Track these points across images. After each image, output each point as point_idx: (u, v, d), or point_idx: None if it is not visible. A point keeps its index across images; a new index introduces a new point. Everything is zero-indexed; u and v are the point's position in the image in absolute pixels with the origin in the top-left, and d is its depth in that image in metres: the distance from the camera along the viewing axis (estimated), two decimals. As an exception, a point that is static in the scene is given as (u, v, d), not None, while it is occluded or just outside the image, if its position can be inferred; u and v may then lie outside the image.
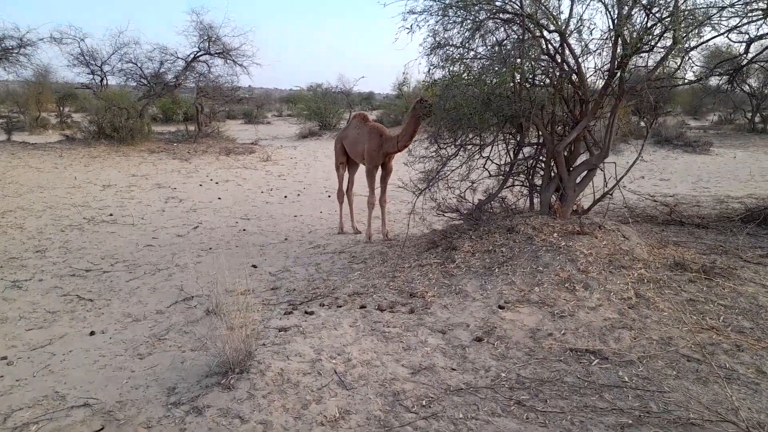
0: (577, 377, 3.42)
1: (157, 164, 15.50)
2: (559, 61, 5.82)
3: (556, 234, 5.45)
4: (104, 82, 19.16)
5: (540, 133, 6.07)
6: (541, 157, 6.36)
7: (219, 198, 11.26)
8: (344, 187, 8.50)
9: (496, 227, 5.95)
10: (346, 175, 8.51)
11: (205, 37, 18.85)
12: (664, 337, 3.86)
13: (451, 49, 6.09)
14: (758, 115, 24.99)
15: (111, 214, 9.38)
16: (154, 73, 20.46)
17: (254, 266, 6.64)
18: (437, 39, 6.07)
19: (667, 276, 4.86)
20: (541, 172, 6.50)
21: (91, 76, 19.18)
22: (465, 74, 5.83)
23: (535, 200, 6.61)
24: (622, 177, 6.06)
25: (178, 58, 19.50)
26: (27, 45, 17.60)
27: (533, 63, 5.65)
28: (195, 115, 19.79)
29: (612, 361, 3.59)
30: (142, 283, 6.03)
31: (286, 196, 11.66)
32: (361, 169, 8.72)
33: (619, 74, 5.31)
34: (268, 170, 15.55)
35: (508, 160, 6.65)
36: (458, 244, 5.78)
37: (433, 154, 6.52)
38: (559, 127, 6.29)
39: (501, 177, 6.65)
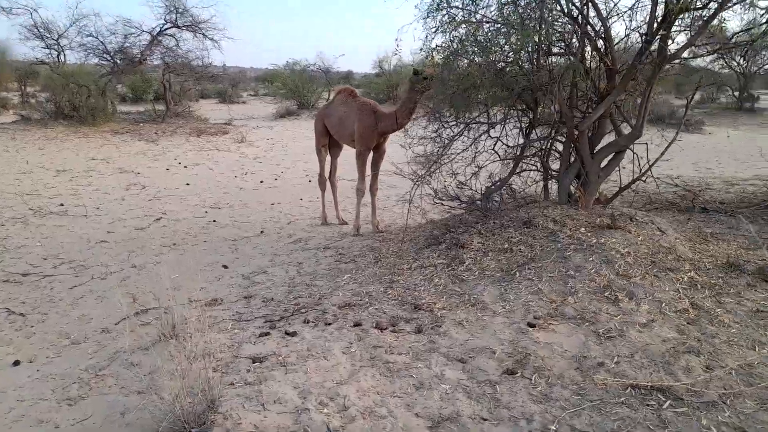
0: (650, 428, 2.59)
1: (120, 146, 14.27)
2: (582, 23, 4.93)
3: (583, 229, 4.60)
4: (62, 57, 17.64)
5: (558, 109, 5.19)
6: (558, 138, 5.49)
7: (187, 184, 10.19)
8: (326, 173, 7.54)
9: (509, 220, 5.08)
10: (329, 158, 7.53)
11: (172, 8, 17.45)
12: (743, 364, 3.05)
13: (453, 10, 5.16)
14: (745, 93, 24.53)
15: (62, 204, 8.27)
16: (118, 48, 18.98)
17: (225, 267, 5.68)
18: (436, -1, 5.14)
19: (722, 280, 4.07)
20: (558, 155, 5.65)
21: (47, 51, 17.65)
22: (471, 39, 4.90)
23: (551, 187, 5.76)
24: (656, 160, 5.22)
25: (143, 31, 18.08)
26: (-29, 16, 16.01)
27: (552, 27, 4.74)
28: (163, 94, 18.42)
29: (688, 402, 2.76)
30: (89, 291, 5.03)
31: (262, 182, 10.63)
32: (346, 153, 7.77)
33: (659, 38, 4.43)
34: (243, 152, 14.46)
35: (519, 141, 5.78)
36: (466, 240, 4.91)
37: (433, 135, 5.61)
38: (581, 103, 5.41)
39: (511, 161, 5.78)
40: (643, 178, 5.28)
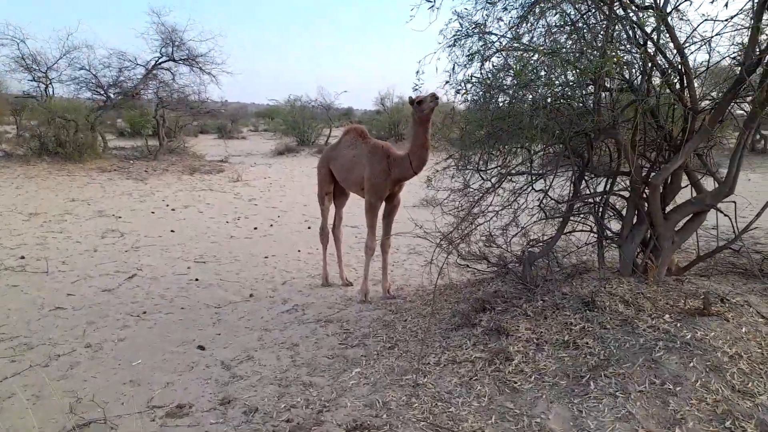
0: None
1: (106, 186, 13.27)
2: (652, 52, 3.95)
3: (667, 316, 3.51)
4: (49, 90, 16.81)
5: (622, 157, 4.18)
6: (619, 192, 4.45)
7: (172, 231, 9.11)
8: (329, 225, 6.48)
9: (562, 297, 4.00)
10: (333, 208, 6.48)
11: (168, 41, 16.73)
12: None
13: (487, 37, 4.20)
14: None
15: (22, 257, 7.17)
16: (113, 81, 18.22)
17: (201, 348, 4.56)
18: (466, 23, 4.20)
19: None
20: (613, 213, 4.61)
21: (35, 84, 16.82)
22: (515, 71, 3.91)
23: (607, 253, 4.70)
24: (751, 223, 4.17)
25: (137, 64, 17.32)
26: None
27: (618, 52, 3.76)
28: (156, 129, 17.55)
29: None
30: (22, 387, 3.88)
31: (255, 228, 9.56)
32: (353, 201, 6.73)
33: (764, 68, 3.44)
34: (237, 193, 13.45)
35: (563, 192, 4.75)
36: (509, 324, 3.81)
37: (462, 187, 4.58)
38: (648, 150, 4.40)
39: (552, 217, 4.73)
40: (734, 245, 4.22)
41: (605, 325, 3.52)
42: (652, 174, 4.14)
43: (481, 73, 4.17)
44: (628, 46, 4.02)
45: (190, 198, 12.45)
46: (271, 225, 9.88)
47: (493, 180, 4.34)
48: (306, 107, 27.07)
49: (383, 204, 5.71)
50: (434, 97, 4.81)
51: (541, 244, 4.82)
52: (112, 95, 18.22)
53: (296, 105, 28.84)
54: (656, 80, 4.19)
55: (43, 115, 15.06)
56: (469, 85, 4.11)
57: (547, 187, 4.26)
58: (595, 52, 3.67)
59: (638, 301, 3.73)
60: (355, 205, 7.38)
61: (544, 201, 4.43)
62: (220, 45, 51.80)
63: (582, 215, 4.69)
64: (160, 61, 17.28)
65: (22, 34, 16.03)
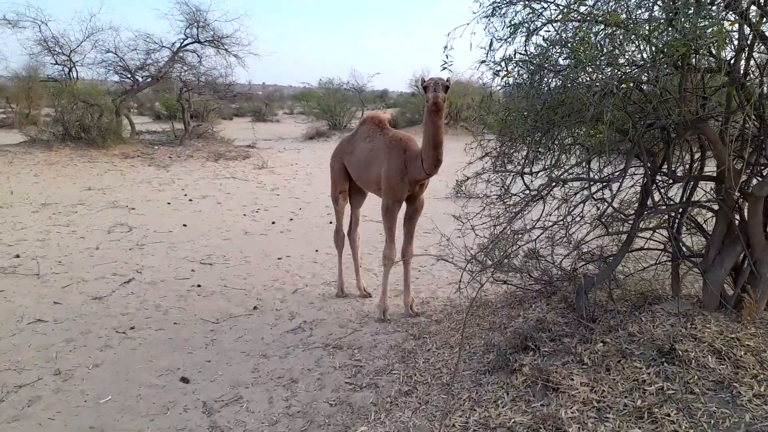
0: None
1: (126, 173, 12.82)
2: (755, 20, 2.96)
3: (780, 377, 2.58)
4: (73, 73, 16.44)
5: (714, 158, 3.21)
6: (703, 203, 3.49)
7: (184, 225, 8.49)
8: (345, 228, 5.68)
9: (630, 340, 3.10)
10: (349, 209, 5.68)
11: (193, 22, 16.11)
12: None
13: (536, 2, 3.28)
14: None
15: (17, 256, 6.63)
16: (140, 65, 17.81)
17: (185, 381, 3.85)
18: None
19: None
20: (693, 227, 3.65)
21: (59, 68, 16.50)
22: (582, 42, 2.98)
23: (684, 279, 3.75)
24: None
25: (162, 46, 16.79)
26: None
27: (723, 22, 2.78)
28: (181, 114, 17.06)
29: None
30: (-36, 430, 3.26)
31: (273, 222, 8.85)
32: (371, 200, 5.90)
33: None
34: (261, 181, 12.80)
35: (622, 199, 3.82)
36: (558, 374, 2.95)
37: (499, 193, 3.69)
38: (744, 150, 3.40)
39: (615, 233, 3.80)
40: None
41: (692, 389, 2.62)
42: (754, 181, 3.17)
43: (526, 50, 3.26)
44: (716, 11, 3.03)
45: (211, 187, 11.86)
46: (291, 219, 9.16)
47: (539, 185, 3.43)
48: (338, 89, 26.23)
49: (404, 206, 4.87)
50: (437, 85, 3.93)
51: (596, 260, 3.91)
52: (139, 78, 17.84)
53: (329, 88, 28.11)
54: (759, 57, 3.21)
55: (66, 99, 14.68)
56: (511, 65, 3.21)
57: (611, 196, 3.32)
58: (685, 21, 2.71)
59: (735, 352, 2.80)
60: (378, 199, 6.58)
61: (603, 211, 3.49)
62: (246, 26, 51.04)
63: (652, 230, 3.74)
64: (185, 43, 16.71)
65: (44, 15, 15.62)
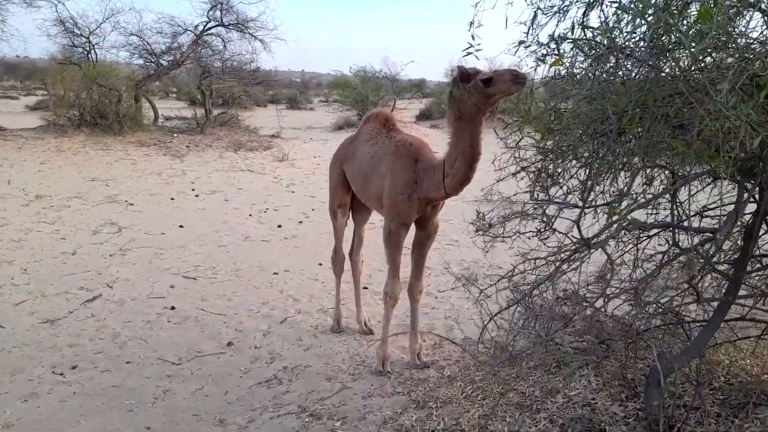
0: None
1: (138, 163, 12.12)
2: None
3: None
4: (92, 56, 15.85)
5: None
6: None
7: (180, 226, 7.64)
8: (345, 248, 4.66)
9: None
10: (350, 225, 4.65)
11: (216, 3, 15.28)
12: None
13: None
14: None
15: (-19, 260, 5.89)
16: (167, 48, 17.16)
17: (106, 460, 2.93)
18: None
19: None
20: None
21: (79, 50, 15.93)
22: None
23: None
24: None
25: (186, 29, 16.05)
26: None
27: None
28: (202, 101, 16.33)
29: None
30: None
31: (280, 226, 7.92)
32: (375, 219, 4.86)
33: None
34: (278, 176, 11.92)
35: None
36: None
37: (537, 228, 2.61)
38: None
39: (707, 299, 2.65)
40: None
41: None
42: None
43: (583, 27, 2.15)
44: None
45: (223, 181, 11.02)
46: (301, 222, 8.21)
47: (601, 232, 2.32)
48: (369, 78, 25.17)
49: (415, 231, 3.82)
50: (516, 77, 2.77)
51: (671, 320, 2.78)
52: (164, 63, 17.20)
53: (361, 76, 27.04)
54: None
55: (82, 82, 14.08)
56: (565, 45, 2.11)
57: (714, 250, 2.18)
58: None
59: None
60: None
61: (702, 271, 2.35)
62: (272, 8, 49.80)
63: (756, 290, 2.58)
64: (208, 26, 15.93)
65: (59, -6, 14.97)
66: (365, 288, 5.53)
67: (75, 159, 11.75)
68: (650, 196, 2.38)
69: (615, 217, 2.18)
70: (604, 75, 1.99)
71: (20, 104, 24.96)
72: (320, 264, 6.25)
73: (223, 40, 16.44)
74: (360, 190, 4.01)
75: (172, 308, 4.94)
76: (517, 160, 2.88)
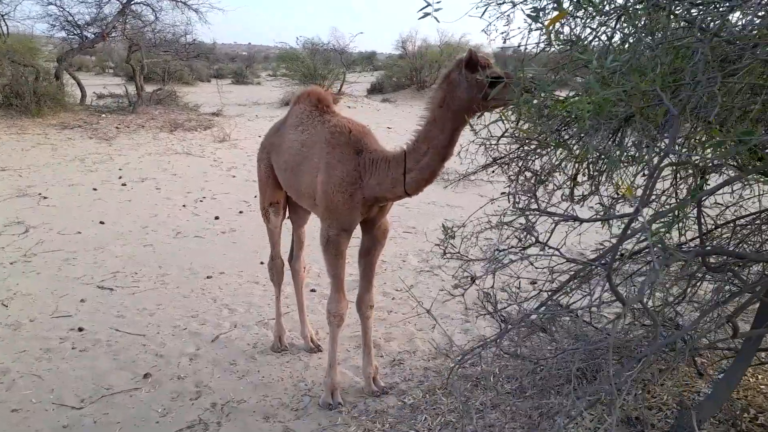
0: None
1: (59, 147, 10.88)
2: None
3: None
4: (2, 27, 14.17)
5: None
6: None
7: (101, 222, 6.70)
8: (281, 253, 3.95)
9: None
10: (284, 225, 3.94)
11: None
12: None
13: None
14: None
15: None
16: (91, 19, 15.63)
17: None
18: None
19: None
20: None
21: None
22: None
23: None
24: None
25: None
26: None
27: None
28: (133, 76, 14.98)
29: None
30: None
31: (217, 218, 7.10)
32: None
33: None
34: (218, 158, 10.98)
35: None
36: None
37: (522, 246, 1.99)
38: None
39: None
40: None
41: None
42: None
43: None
44: None
45: (155, 166, 9.99)
46: (241, 212, 7.41)
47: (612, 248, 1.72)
48: (317, 51, 24.02)
49: (361, 235, 3.15)
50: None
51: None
52: (88, 35, 15.66)
53: (311, 48, 25.77)
54: None
55: (-7, 58, 12.55)
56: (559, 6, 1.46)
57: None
58: None
59: None
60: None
61: (741, 308, 1.79)
62: None
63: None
64: (135, -7, 14.51)
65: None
66: (313, 291, 4.88)
67: (-16, 146, 10.43)
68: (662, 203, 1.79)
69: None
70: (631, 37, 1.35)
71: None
72: (262, 263, 5.51)
73: (153, 10, 15.05)
74: (289, 186, 3.31)
75: (80, 330, 4.13)
76: (489, 149, 2.26)
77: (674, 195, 1.85)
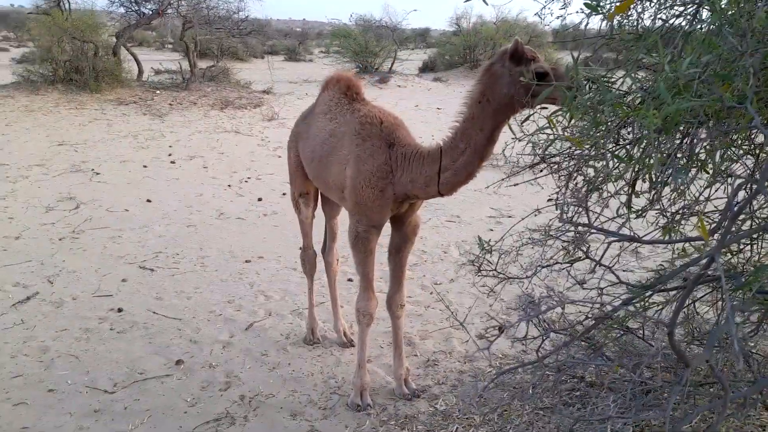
0: None
1: (114, 123, 11.18)
2: None
3: None
4: (64, 4, 14.57)
5: None
6: None
7: (148, 200, 6.80)
8: (313, 244, 3.85)
9: None
10: (316, 215, 3.82)
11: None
12: None
13: None
14: None
15: None
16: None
17: None
18: None
19: None
20: None
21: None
22: None
23: None
24: None
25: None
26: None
27: None
28: (186, 54, 15.18)
29: None
30: None
31: (260, 199, 7.09)
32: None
33: None
34: (265, 137, 10.98)
35: None
36: None
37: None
38: None
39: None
40: None
41: None
42: None
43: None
44: None
45: (204, 144, 10.10)
46: (284, 194, 7.36)
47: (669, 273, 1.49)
48: (368, 28, 23.68)
49: (391, 231, 2.99)
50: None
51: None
52: (145, 11, 15.97)
53: (363, 25, 25.49)
54: None
55: (55, 35, 12.94)
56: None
57: None
58: None
59: None
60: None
61: None
62: None
63: None
64: (190, -30, 14.60)
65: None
66: (350, 280, 4.77)
67: (44, 120, 10.82)
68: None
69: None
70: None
71: (9, 57, 23.52)
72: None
73: (208, -14, 15.13)
74: (316, 176, 3.16)
75: (119, 311, 4.17)
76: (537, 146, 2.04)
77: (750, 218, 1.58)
